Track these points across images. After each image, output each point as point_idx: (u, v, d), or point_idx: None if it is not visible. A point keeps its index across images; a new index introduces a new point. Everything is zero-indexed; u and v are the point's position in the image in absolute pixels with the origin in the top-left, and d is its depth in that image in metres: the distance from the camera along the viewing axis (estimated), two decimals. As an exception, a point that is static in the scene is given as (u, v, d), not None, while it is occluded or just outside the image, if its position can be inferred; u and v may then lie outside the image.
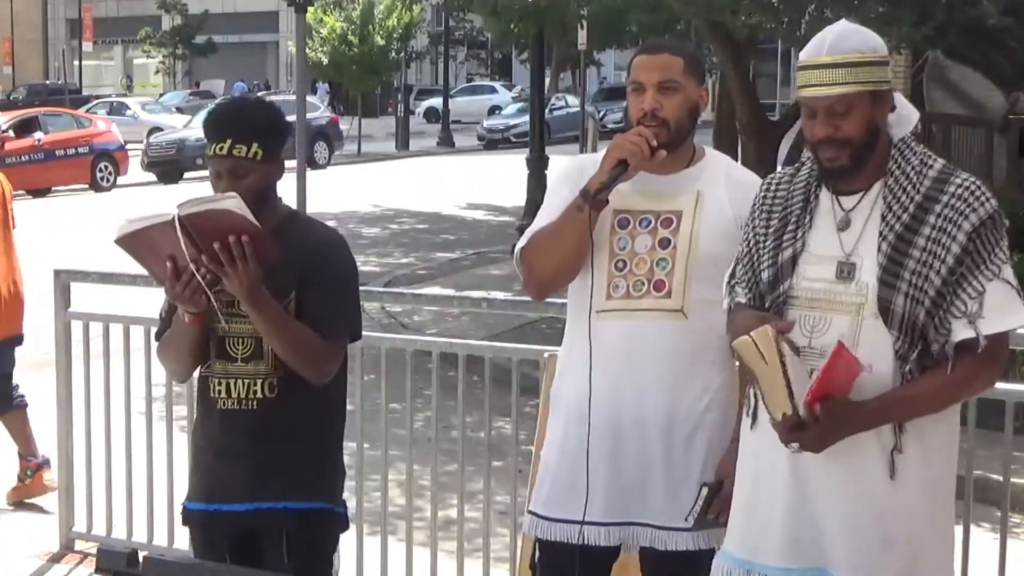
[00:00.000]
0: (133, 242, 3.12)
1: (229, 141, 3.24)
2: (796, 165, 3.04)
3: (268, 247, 3.11)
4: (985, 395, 3.95)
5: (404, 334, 5.94)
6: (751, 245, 3.00)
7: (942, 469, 2.87)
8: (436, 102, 43.42)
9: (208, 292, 3.19)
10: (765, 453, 2.89)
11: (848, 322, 2.80)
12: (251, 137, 3.25)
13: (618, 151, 3.09)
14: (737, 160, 15.75)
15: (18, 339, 6.18)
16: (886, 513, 2.80)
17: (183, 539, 5.21)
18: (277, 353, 3.26)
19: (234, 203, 3.05)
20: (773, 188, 3.02)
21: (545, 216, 3.26)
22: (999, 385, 4.09)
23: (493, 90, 48.15)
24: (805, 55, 2.84)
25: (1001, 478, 4.10)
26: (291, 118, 3.73)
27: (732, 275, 3.06)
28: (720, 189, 3.21)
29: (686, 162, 3.24)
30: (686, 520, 3.15)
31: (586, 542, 3.21)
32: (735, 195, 3.19)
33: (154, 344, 5.24)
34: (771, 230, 2.95)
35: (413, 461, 4.85)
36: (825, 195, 2.91)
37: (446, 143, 36.10)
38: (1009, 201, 12.75)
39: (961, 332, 2.73)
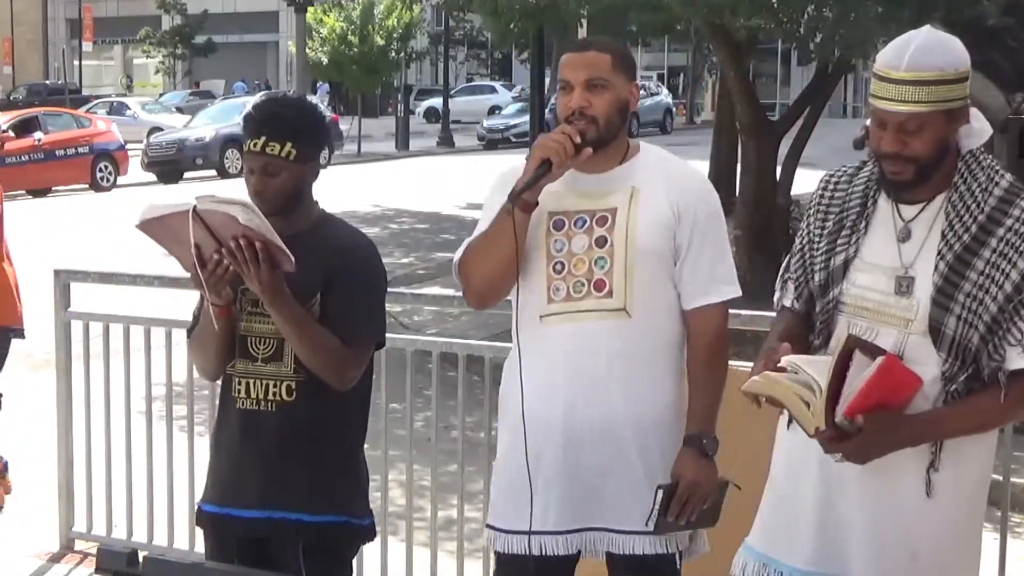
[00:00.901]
0: (155, 228, 3.11)
1: (263, 138, 3.22)
2: (858, 163, 2.95)
3: (282, 257, 3.08)
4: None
5: (404, 334, 5.93)
6: (804, 243, 2.95)
7: (976, 487, 2.84)
8: (436, 102, 43.41)
9: (231, 287, 3.17)
10: (797, 454, 2.87)
11: (894, 335, 2.74)
12: (286, 136, 3.22)
13: (541, 151, 3.04)
14: (736, 160, 15.74)
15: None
16: (917, 529, 2.76)
17: (183, 539, 5.23)
18: (298, 355, 3.23)
19: (241, 211, 3.03)
20: (831, 187, 2.94)
21: (480, 225, 3.23)
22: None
23: (493, 90, 48.14)
24: (884, 62, 2.71)
25: (1001, 478, 4.09)
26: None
27: (786, 269, 3.01)
28: (656, 183, 3.16)
29: (619, 159, 3.18)
30: (647, 524, 3.12)
31: (544, 552, 3.15)
32: (671, 187, 3.15)
33: (154, 344, 5.29)
34: (826, 232, 2.89)
35: (413, 461, 4.85)
36: (884, 201, 2.82)
37: (446, 143, 36.09)
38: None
39: (1016, 361, 2.66)
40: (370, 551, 4.67)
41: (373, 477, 3.93)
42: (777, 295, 3.02)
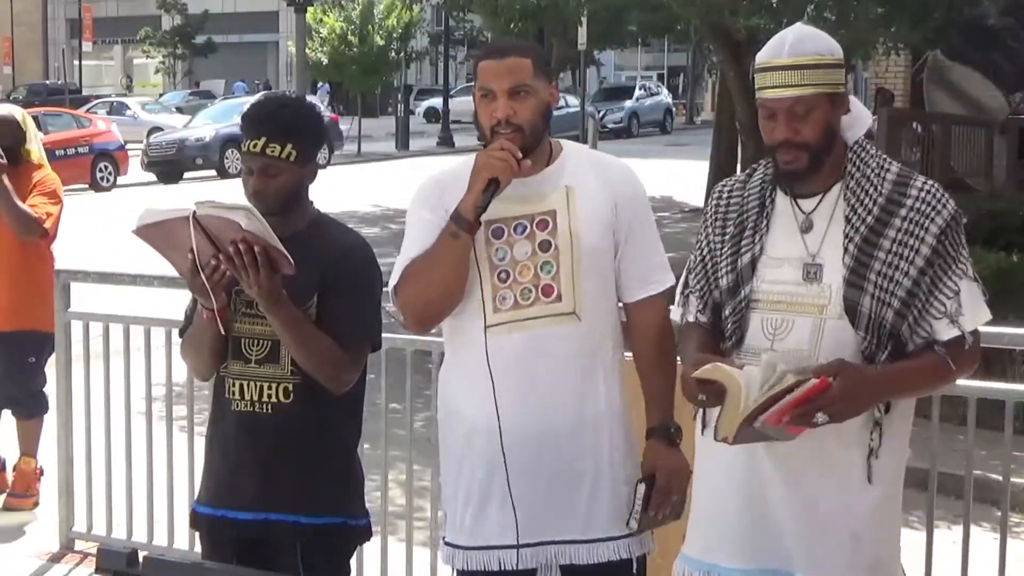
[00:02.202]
0: (152, 233, 3.10)
1: (264, 139, 3.21)
2: (748, 171, 3.05)
3: (282, 261, 3.07)
4: (985, 395, 3.97)
5: (404, 334, 5.90)
6: (705, 254, 3.01)
7: (900, 464, 2.93)
8: (436, 102, 43.39)
9: (226, 290, 3.16)
10: (719, 456, 2.89)
11: (810, 323, 2.81)
12: (286, 137, 3.21)
13: (487, 170, 2.95)
14: (737, 160, 15.75)
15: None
16: (858, 512, 2.83)
17: (183, 539, 5.23)
18: (295, 359, 3.23)
19: (243, 216, 3.02)
20: (726, 195, 3.02)
21: (414, 245, 3.10)
22: (999, 385, 4.12)
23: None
24: (764, 57, 2.86)
25: (1001, 478, 4.10)
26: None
27: (685, 285, 3.06)
28: (588, 178, 3.12)
29: (546, 160, 3.13)
30: (628, 525, 3.07)
31: (502, 567, 3.08)
32: (604, 182, 3.12)
33: (154, 344, 5.29)
34: (728, 236, 2.96)
35: (413, 461, 4.85)
36: (782, 198, 2.92)
37: (446, 143, 36.08)
38: (1009, 201, 12.77)
39: (946, 332, 2.78)
40: (370, 551, 4.67)
41: (373, 477, 3.95)
42: (679, 312, 3.06)
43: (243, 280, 3.08)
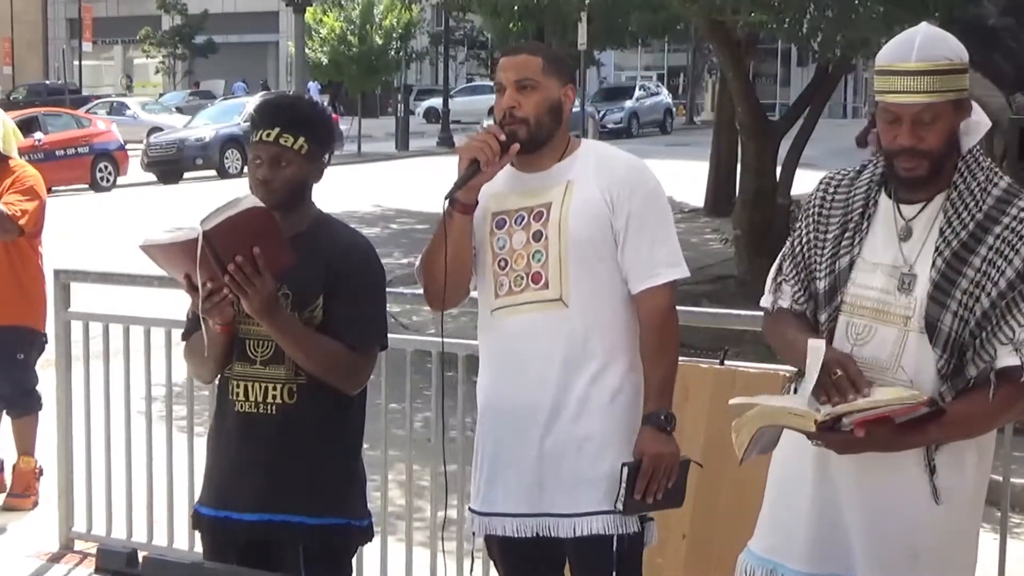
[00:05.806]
0: (157, 253, 3.12)
1: (278, 129, 3.25)
2: (858, 167, 2.94)
3: (284, 252, 3.09)
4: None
5: (404, 334, 5.92)
6: (803, 244, 2.94)
7: (977, 490, 2.83)
8: (436, 102, 43.37)
9: (231, 308, 3.17)
10: (795, 456, 2.87)
11: (895, 334, 2.74)
12: (300, 129, 3.26)
13: (467, 152, 3.15)
14: (736, 160, 15.72)
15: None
16: (919, 530, 2.77)
17: (183, 539, 5.23)
18: (307, 370, 3.23)
19: (245, 200, 3.04)
20: (832, 190, 2.92)
21: None
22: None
23: (493, 90, 48.02)
24: (889, 59, 2.72)
25: (1001, 478, 4.09)
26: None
27: (779, 270, 3.00)
28: (590, 174, 3.24)
29: (559, 157, 3.28)
30: (616, 507, 3.17)
31: (505, 533, 3.32)
32: (603, 177, 3.23)
33: (154, 344, 5.29)
34: (830, 235, 2.87)
35: (413, 461, 4.85)
36: (885, 201, 2.82)
37: (446, 143, 36.04)
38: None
39: (1005, 359, 2.66)
40: (370, 551, 4.67)
41: (373, 477, 3.95)
42: (769, 299, 3.01)
43: (244, 295, 3.08)
